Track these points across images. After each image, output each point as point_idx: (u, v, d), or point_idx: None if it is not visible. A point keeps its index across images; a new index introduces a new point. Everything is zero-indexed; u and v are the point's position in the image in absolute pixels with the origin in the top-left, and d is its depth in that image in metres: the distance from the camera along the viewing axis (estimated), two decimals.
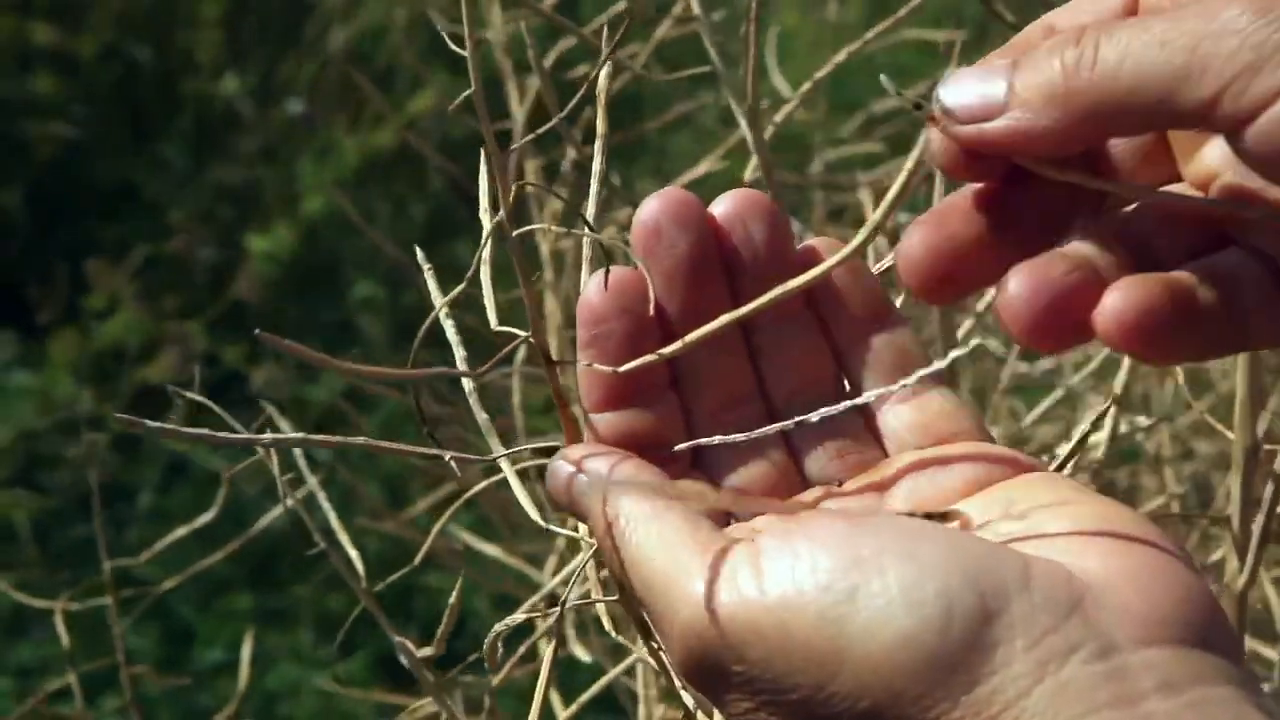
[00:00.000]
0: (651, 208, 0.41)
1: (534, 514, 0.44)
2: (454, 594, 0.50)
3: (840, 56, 0.64)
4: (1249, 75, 0.32)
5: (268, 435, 0.41)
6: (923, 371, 0.41)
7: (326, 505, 0.57)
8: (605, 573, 0.53)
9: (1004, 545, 0.35)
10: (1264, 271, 0.38)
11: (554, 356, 0.43)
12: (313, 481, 0.59)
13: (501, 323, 0.42)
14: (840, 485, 0.43)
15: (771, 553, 0.36)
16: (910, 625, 0.33)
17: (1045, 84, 0.36)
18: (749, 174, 0.65)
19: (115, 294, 1.83)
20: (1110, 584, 0.34)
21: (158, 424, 0.38)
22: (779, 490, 0.43)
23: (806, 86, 0.65)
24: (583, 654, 0.68)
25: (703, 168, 0.79)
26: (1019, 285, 0.37)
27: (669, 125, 0.90)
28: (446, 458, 0.41)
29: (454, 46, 0.41)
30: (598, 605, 0.50)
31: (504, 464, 0.44)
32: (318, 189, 1.98)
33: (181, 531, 0.71)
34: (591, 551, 0.44)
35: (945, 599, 0.33)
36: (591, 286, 0.42)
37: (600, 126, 0.43)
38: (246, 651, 0.76)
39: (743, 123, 0.61)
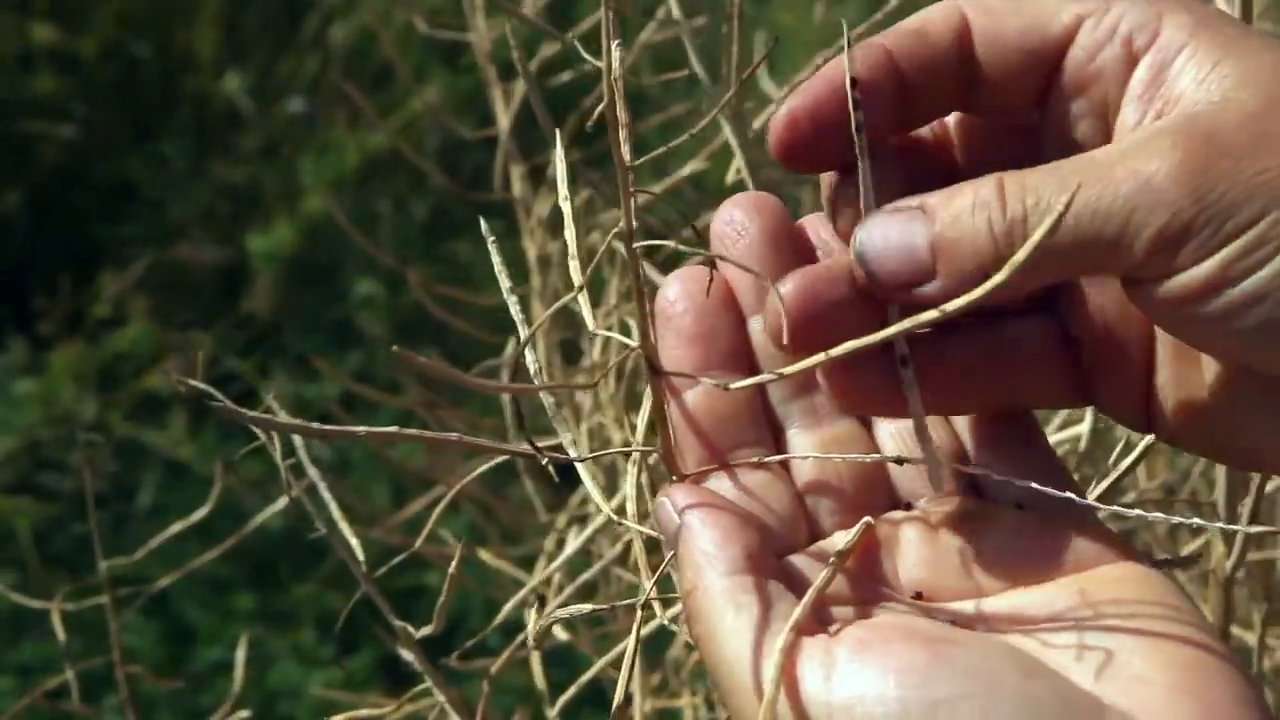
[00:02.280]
0: (728, 205, 0.43)
1: (604, 505, 0.44)
2: (452, 565, 0.50)
3: (824, 55, 0.65)
4: (1172, 248, 0.35)
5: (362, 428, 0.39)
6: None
7: (328, 496, 0.57)
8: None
9: (1085, 701, 0.35)
10: (1058, 349, 0.41)
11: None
12: (314, 472, 0.58)
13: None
14: (926, 512, 0.42)
15: (844, 668, 0.35)
16: None
17: (975, 256, 0.37)
18: (731, 175, 0.65)
19: (121, 304, 1.84)
20: None
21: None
22: (863, 499, 0.43)
23: (787, 90, 0.65)
24: (562, 633, 0.68)
25: (689, 168, 0.80)
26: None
27: (670, 125, 0.90)
28: (544, 461, 0.41)
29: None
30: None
31: (580, 468, 0.44)
32: (318, 187, 1.98)
33: (177, 528, 0.71)
34: (568, 555, 0.43)
35: None
36: (668, 281, 0.43)
37: (621, 157, 0.43)
38: (241, 653, 0.76)
39: (725, 126, 0.61)
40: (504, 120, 0.83)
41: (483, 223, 0.44)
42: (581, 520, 0.78)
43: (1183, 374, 0.40)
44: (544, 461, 0.40)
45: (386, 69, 2.12)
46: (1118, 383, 0.41)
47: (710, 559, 0.38)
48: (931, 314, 0.35)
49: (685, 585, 0.39)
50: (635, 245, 0.40)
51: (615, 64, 0.38)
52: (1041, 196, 0.36)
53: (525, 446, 0.40)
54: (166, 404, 1.76)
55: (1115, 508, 0.41)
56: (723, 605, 0.37)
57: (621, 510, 0.45)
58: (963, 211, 0.37)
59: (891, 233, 0.38)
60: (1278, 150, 0.35)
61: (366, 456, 1.59)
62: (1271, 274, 0.35)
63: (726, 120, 0.61)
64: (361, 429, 0.38)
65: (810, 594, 0.38)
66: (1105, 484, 0.50)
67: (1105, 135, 0.39)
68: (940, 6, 0.41)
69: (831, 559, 0.39)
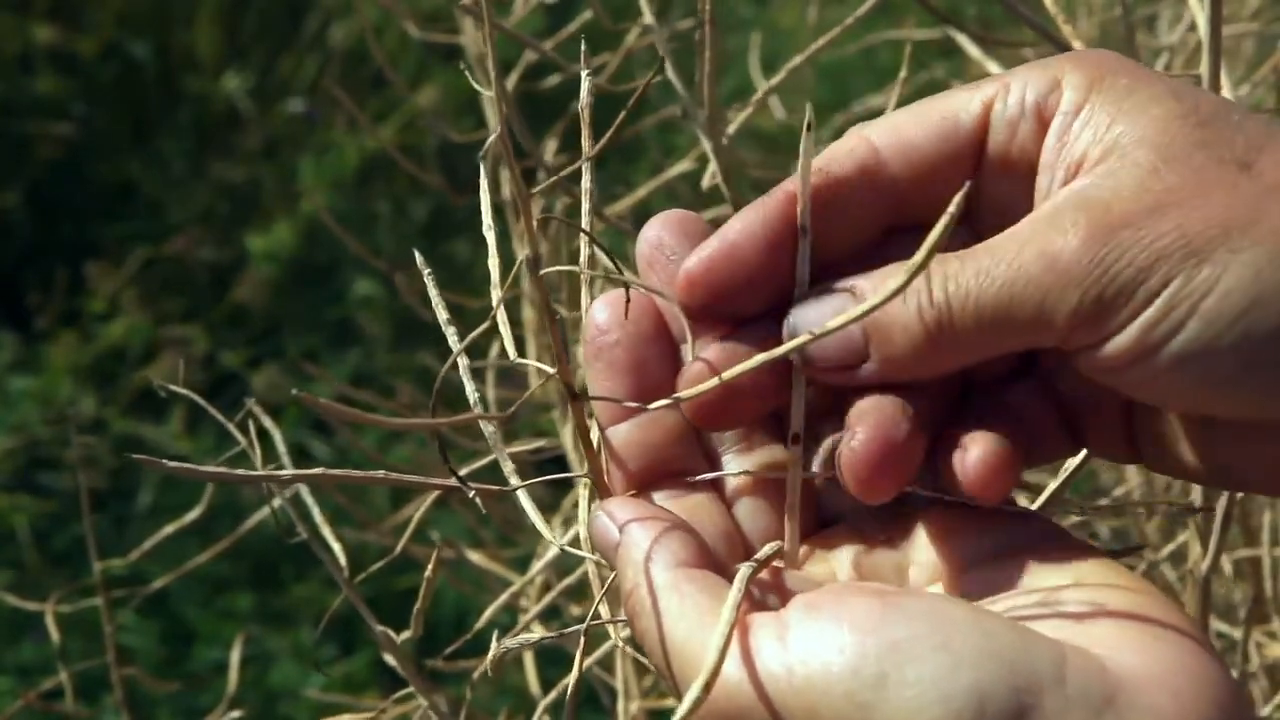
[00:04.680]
0: (653, 225, 0.43)
1: (546, 532, 0.44)
2: (428, 570, 0.50)
3: (795, 62, 0.64)
4: (1091, 323, 0.37)
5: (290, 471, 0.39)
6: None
7: (310, 500, 0.58)
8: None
9: (1039, 635, 0.35)
10: (1050, 407, 0.42)
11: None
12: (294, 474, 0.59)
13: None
14: (861, 531, 0.42)
15: (798, 629, 0.35)
16: (941, 719, 0.33)
17: (908, 339, 0.38)
18: (707, 180, 0.65)
19: (115, 297, 1.84)
20: (1144, 683, 0.34)
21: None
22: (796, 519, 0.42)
23: (761, 93, 0.65)
24: (539, 631, 0.68)
25: (677, 169, 0.80)
26: (864, 440, 0.39)
27: (667, 125, 0.90)
28: (471, 493, 0.41)
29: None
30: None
31: (523, 497, 0.44)
32: (317, 188, 1.99)
33: (172, 528, 0.71)
34: (551, 557, 0.43)
35: (978, 694, 0.33)
36: (597, 305, 0.42)
37: (585, 146, 0.43)
38: (236, 654, 0.77)
39: (699, 129, 0.61)
40: (495, 123, 0.83)
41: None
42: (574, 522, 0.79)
43: (1151, 413, 0.41)
44: (471, 494, 0.41)
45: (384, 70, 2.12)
46: (1102, 427, 0.42)
47: (650, 557, 0.39)
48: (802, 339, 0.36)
49: (626, 586, 0.39)
50: (542, 272, 0.40)
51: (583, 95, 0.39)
52: (960, 284, 0.38)
53: (452, 483, 0.40)
54: (164, 399, 1.76)
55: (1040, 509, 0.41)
56: (665, 596, 0.38)
57: (575, 542, 0.45)
58: (893, 289, 0.38)
59: (826, 316, 0.39)
60: (1174, 213, 0.36)
61: (365, 458, 1.59)
62: (1193, 336, 0.36)
63: (700, 126, 0.61)
64: (288, 472, 0.38)
65: (758, 557, 0.38)
66: (1049, 491, 0.50)
67: (1032, 204, 0.40)
68: (844, 141, 0.41)
69: (766, 548, 0.40)
